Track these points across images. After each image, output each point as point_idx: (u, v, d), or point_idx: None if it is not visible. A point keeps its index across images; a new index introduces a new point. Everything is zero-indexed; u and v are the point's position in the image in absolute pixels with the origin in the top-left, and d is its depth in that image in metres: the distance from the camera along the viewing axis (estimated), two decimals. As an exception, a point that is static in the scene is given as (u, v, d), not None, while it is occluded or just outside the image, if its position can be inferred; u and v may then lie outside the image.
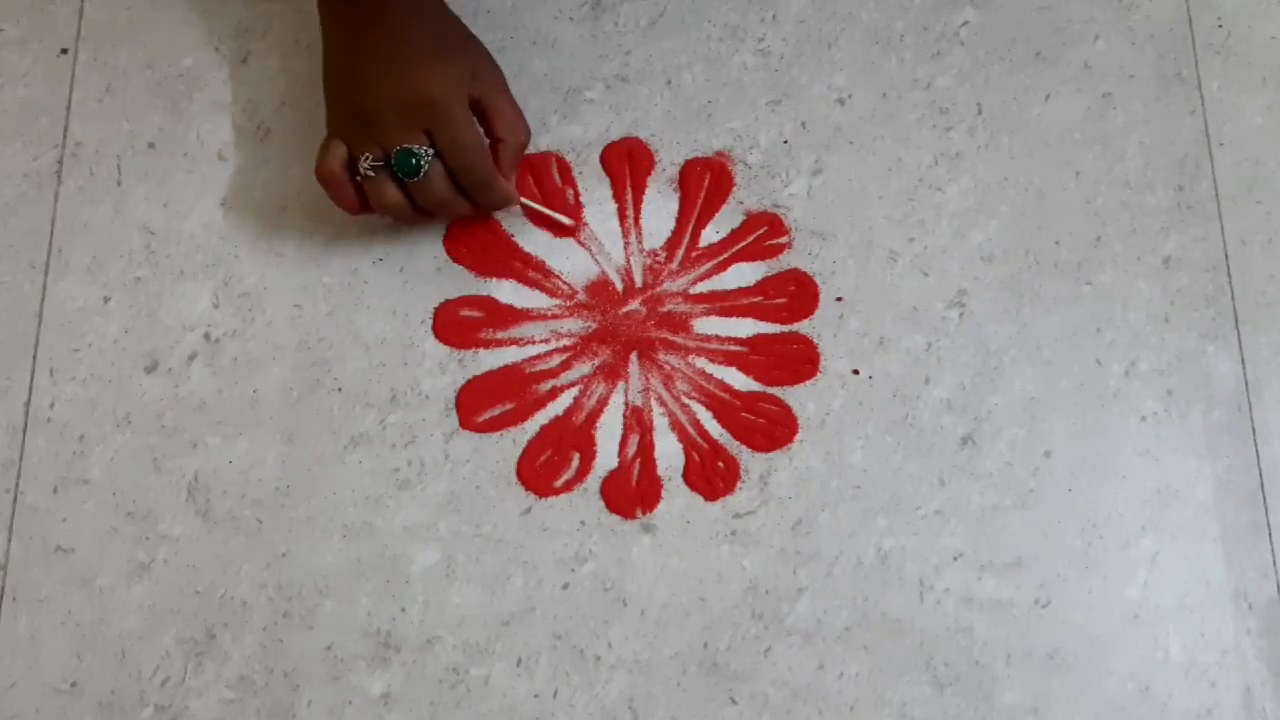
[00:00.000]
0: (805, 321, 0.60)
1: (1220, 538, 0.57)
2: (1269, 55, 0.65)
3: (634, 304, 0.60)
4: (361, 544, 0.57)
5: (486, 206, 0.58)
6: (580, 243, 0.61)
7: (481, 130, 0.56)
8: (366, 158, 0.55)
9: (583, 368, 0.59)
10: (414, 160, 0.54)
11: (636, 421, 0.58)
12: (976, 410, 0.59)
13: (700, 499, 0.57)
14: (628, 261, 0.61)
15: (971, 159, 0.62)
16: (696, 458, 0.58)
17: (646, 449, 0.58)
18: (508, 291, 0.60)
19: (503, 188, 0.57)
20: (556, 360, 0.59)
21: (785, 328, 0.60)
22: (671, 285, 0.60)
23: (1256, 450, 0.59)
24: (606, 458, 0.58)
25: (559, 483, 0.57)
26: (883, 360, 0.59)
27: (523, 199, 0.59)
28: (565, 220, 0.60)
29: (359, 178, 0.55)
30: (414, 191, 0.55)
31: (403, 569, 0.56)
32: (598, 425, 0.58)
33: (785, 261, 0.61)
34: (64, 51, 0.64)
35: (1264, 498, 0.58)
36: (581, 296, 0.60)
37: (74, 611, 0.56)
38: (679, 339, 0.60)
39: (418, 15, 0.56)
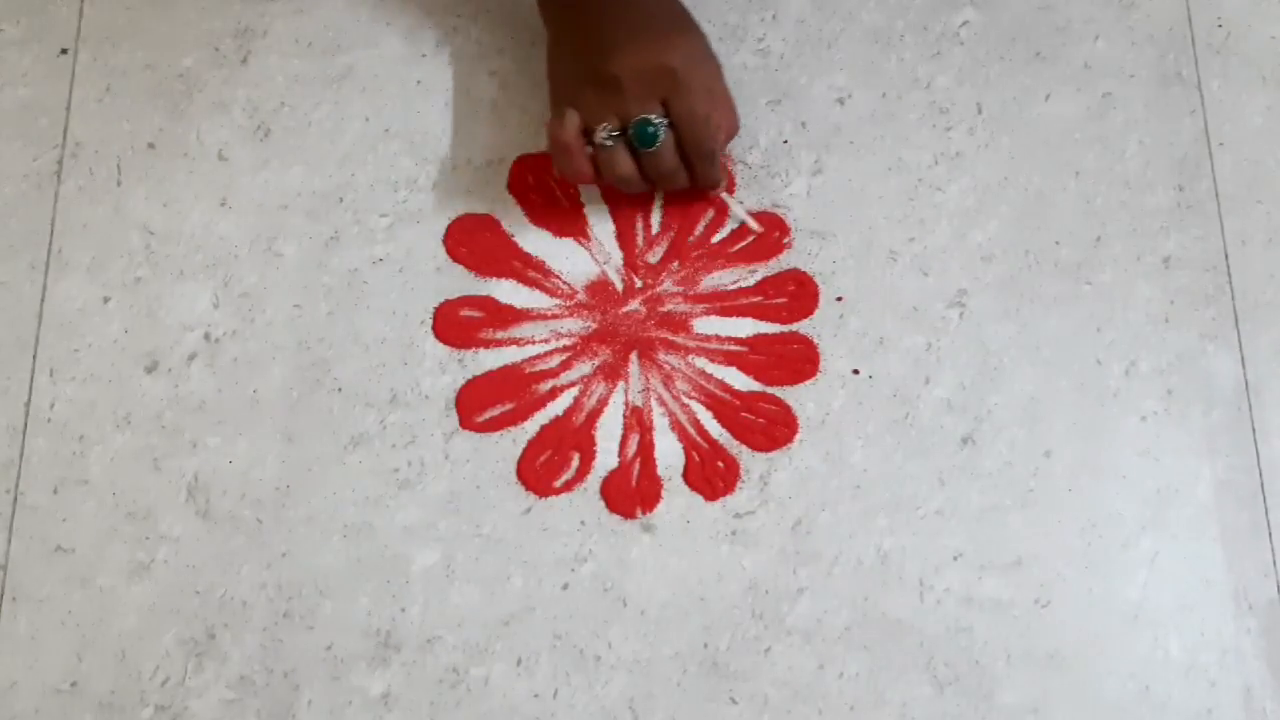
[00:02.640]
0: (805, 321, 0.60)
1: (1220, 538, 0.57)
2: (1269, 55, 0.65)
3: (634, 304, 0.60)
4: (361, 544, 0.57)
5: (703, 182, 0.59)
6: (580, 242, 0.61)
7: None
8: (605, 127, 0.55)
9: (583, 368, 0.59)
10: (651, 129, 0.55)
11: (636, 421, 0.58)
12: (976, 410, 0.59)
13: (700, 499, 0.57)
14: (627, 261, 0.61)
15: (971, 159, 0.62)
16: (696, 458, 0.58)
17: (646, 449, 0.58)
18: (508, 291, 0.60)
19: (721, 165, 0.58)
20: (556, 360, 0.59)
21: (785, 328, 0.60)
22: (671, 285, 0.60)
23: (1256, 450, 0.59)
24: (606, 458, 0.58)
25: (559, 483, 0.57)
26: (883, 360, 0.59)
27: (726, 194, 0.61)
28: (756, 227, 0.61)
29: (592, 147, 0.56)
30: (644, 161, 0.56)
31: (403, 569, 0.56)
32: (598, 425, 0.58)
33: (785, 261, 0.61)
34: (64, 51, 0.64)
35: (1264, 498, 0.58)
36: (581, 296, 0.60)
37: (74, 611, 0.56)
38: (679, 339, 0.60)
39: None
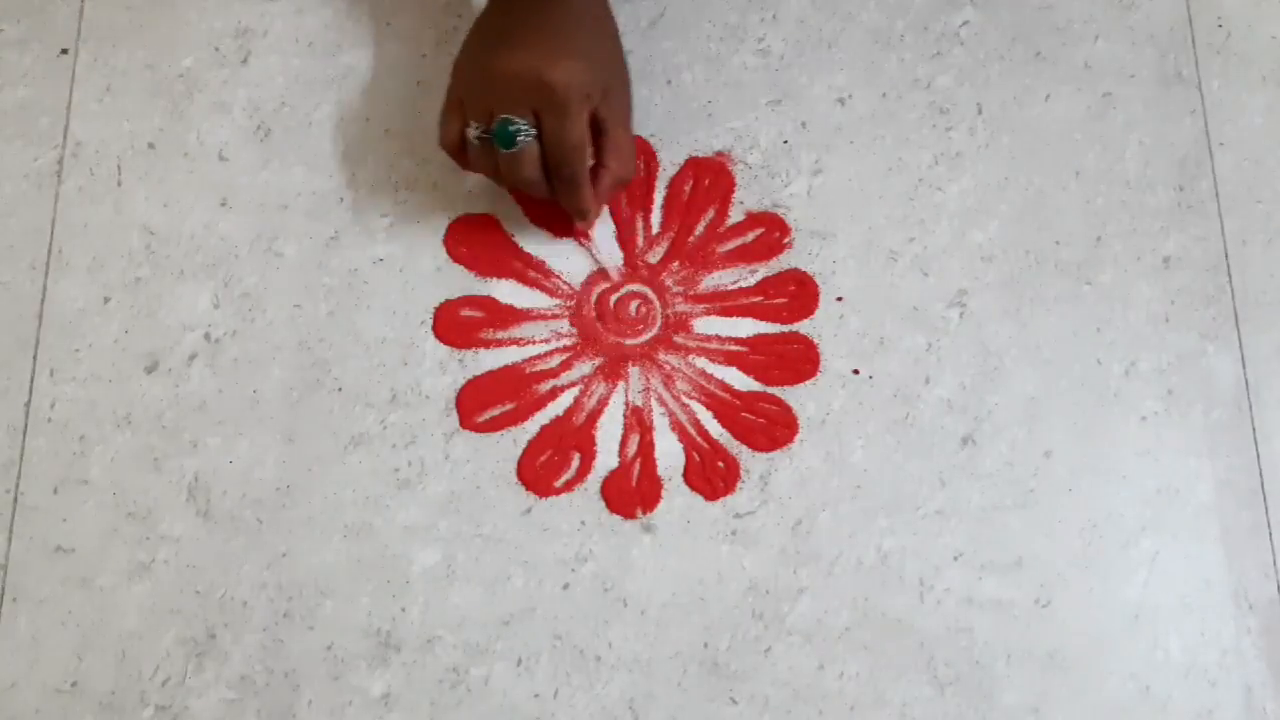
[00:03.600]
0: (805, 321, 0.60)
1: (1220, 538, 0.57)
2: (1269, 55, 0.65)
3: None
4: (361, 544, 0.57)
5: (565, 205, 0.58)
6: (580, 242, 0.61)
7: (589, 138, 0.56)
8: (475, 127, 0.55)
9: (583, 368, 0.59)
10: (511, 131, 0.54)
11: (637, 421, 0.58)
12: (976, 410, 0.59)
13: (700, 499, 0.57)
14: (628, 261, 0.61)
15: (971, 159, 0.62)
16: (696, 458, 0.58)
17: (646, 449, 0.58)
18: (508, 291, 0.60)
19: (587, 199, 0.57)
20: (557, 360, 0.59)
21: (785, 327, 0.60)
22: (672, 285, 0.60)
23: (1256, 450, 0.59)
24: (607, 458, 0.58)
25: (559, 483, 0.57)
26: (883, 360, 0.59)
27: (591, 232, 0.60)
28: (615, 274, 0.60)
29: (466, 144, 0.56)
30: (502, 163, 0.56)
31: (403, 569, 0.56)
32: (598, 425, 0.58)
33: (785, 261, 0.61)
34: (64, 51, 0.64)
35: (1264, 498, 0.58)
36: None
37: (74, 611, 0.56)
38: (679, 339, 0.60)
39: (585, 11, 0.57)
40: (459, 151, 0.57)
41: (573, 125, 0.54)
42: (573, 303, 0.60)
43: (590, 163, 0.56)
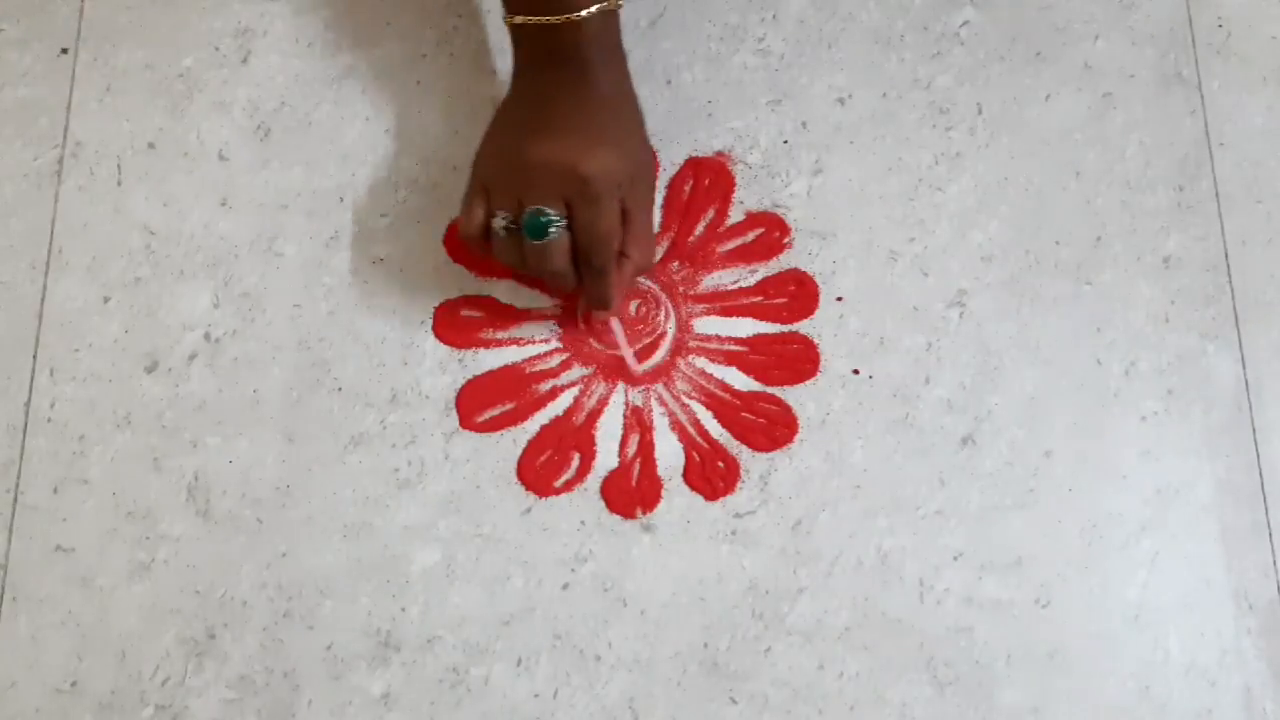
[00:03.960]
0: (805, 321, 0.60)
1: (1220, 538, 0.57)
2: (1269, 55, 0.65)
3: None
4: (361, 544, 0.57)
5: (589, 298, 0.57)
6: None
7: (620, 229, 0.55)
8: (502, 216, 0.54)
9: (583, 368, 0.59)
10: (543, 222, 0.53)
11: (636, 421, 0.58)
12: (976, 410, 0.59)
13: (700, 499, 0.57)
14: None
15: (971, 159, 0.62)
16: (696, 457, 0.58)
17: (646, 449, 0.58)
18: (508, 291, 0.60)
19: (612, 288, 0.56)
20: (556, 360, 0.59)
21: (785, 327, 0.60)
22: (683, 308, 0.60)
23: (1256, 450, 0.59)
24: (606, 457, 0.58)
25: (559, 483, 0.57)
26: (883, 360, 0.59)
27: (616, 320, 0.59)
28: (634, 366, 0.59)
29: (491, 234, 0.55)
30: (530, 254, 0.54)
31: (403, 569, 0.56)
32: (598, 425, 0.58)
33: (785, 261, 0.61)
34: (64, 51, 0.64)
35: (1264, 498, 0.58)
36: (581, 296, 0.60)
37: (74, 611, 0.56)
38: (679, 338, 0.60)
39: (613, 97, 0.56)
40: (482, 242, 0.55)
41: (606, 216, 0.53)
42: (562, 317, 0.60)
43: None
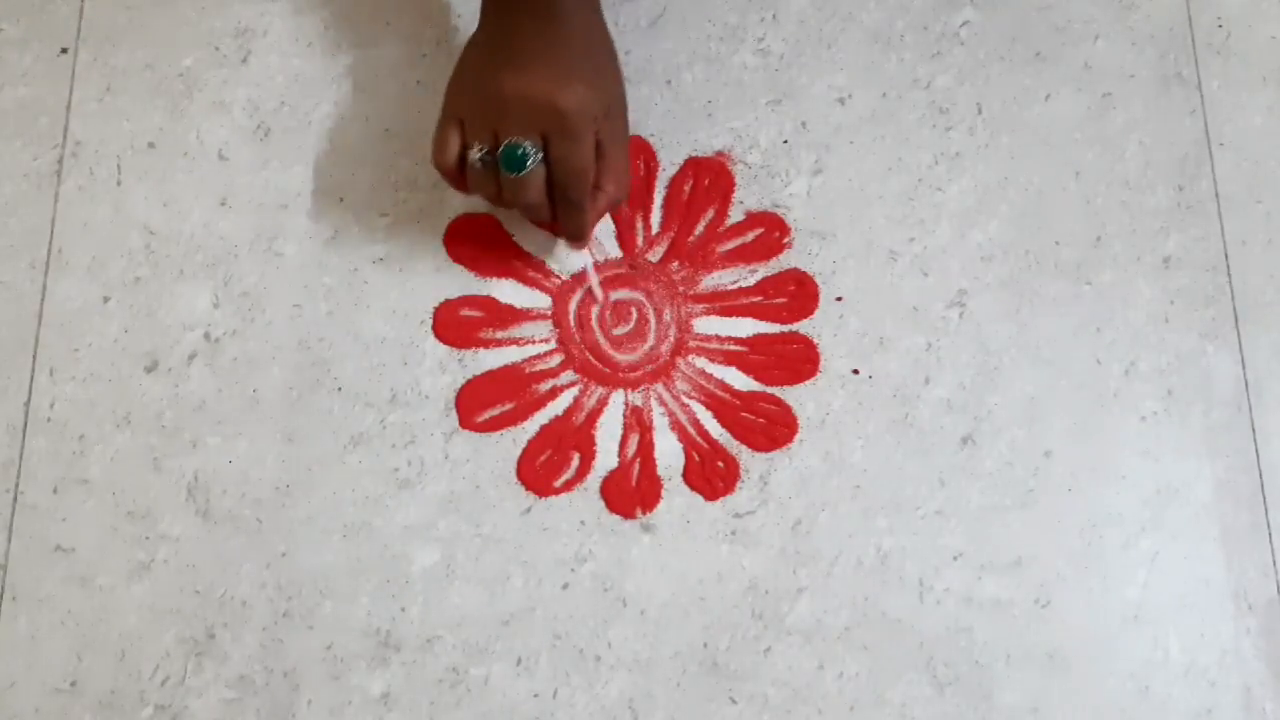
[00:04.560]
0: (805, 321, 0.60)
1: (1220, 538, 0.57)
2: (1269, 55, 0.65)
3: (634, 304, 0.60)
4: (361, 544, 0.57)
5: (564, 230, 0.58)
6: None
7: (595, 162, 0.55)
8: (478, 147, 0.54)
9: (576, 373, 0.59)
10: (520, 154, 0.53)
11: (636, 421, 0.58)
12: (976, 410, 0.59)
13: (700, 499, 0.57)
14: (628, 261, 0.61)
15: (971, 159, 0.62)
16: (696, 457, 0.58)
17: (646, 449, 0.58)
18: (508, 291, 0.60)
19: (587, 220, 0.56)
20: (556, 360, 0.59)
21: (785, 327, 0.60)
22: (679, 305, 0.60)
23: (1256, 450, 0.59)
24: (606, 457, 0.58)
25: (559, 483, 0.57)
26: (883, 360, 0.59)
27: (586, 250, 0.60)
28: (599, 294, 0.60)
29: (466, 166, 0.55)
30: (507, 186, 0.55)
31: (403, 569, 0.56)
32: (598, 425, 0.58)
33: (785, 261, 0.61)
34: (64, 51, 0.64)
35: (1264, 498, 0.58)
36: (582, 296, 0.60)
37: (74, 611, 0.56)
38: (679, 338, 0.60)
39: (585, 30, 0.56)
40: (455, 172, 0.56)
41: (582, 149, 0.54)
42: (559, 317, 0.60)
43: None
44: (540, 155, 0.54)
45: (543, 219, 0.57)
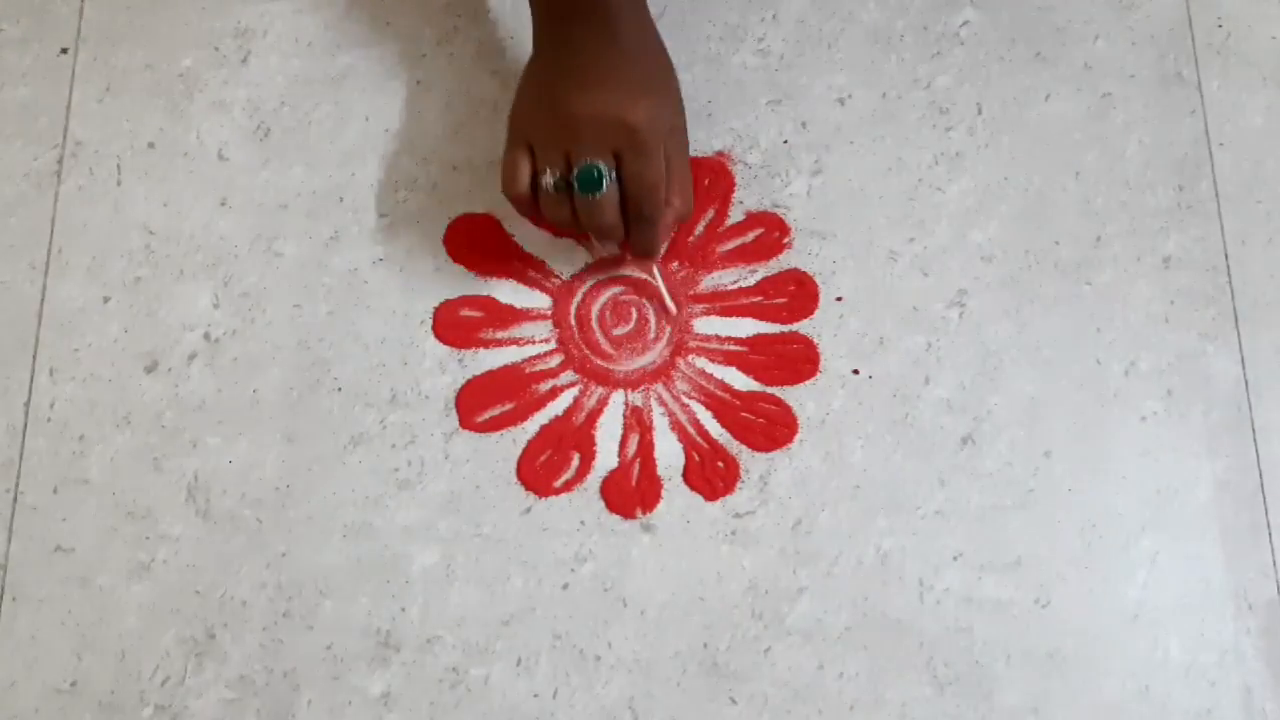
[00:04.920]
0: (805, 321, 0.60)
1: (1220, 538, 0.57)
2: (1269, 55, 0.65)
3: (634, 304, 0.60)
4: (361, 544, 0.57)
5: (636, 247, 0.57)
6: (581, 242, 0.61)
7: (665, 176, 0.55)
8: (551, 173, 0.54)
9: (575, 373, 0.59)
10: (597, 175, 0.53)
11: (636, 421, 0.58)
12: (976, 410, 0.59)
13: (700, 499, 0.57)
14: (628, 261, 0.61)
15: (971, 159, 0.62)
16: (696, 458, 0.58)
17: (646, 449, 0.58)
18: (508, 291, 0.60)
19: (659, 237, 0.56)
20: (556, 360, 0.59)
21: (785, 327, 0.60)
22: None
23: (1256, 450, 0.59)
24: (606, 458, 0.58)
25: (559, 483, 0.57)
26: (883, 360, 0.59)
27: (656, 265, 0.59)
28: (672, 307, 0.59)
29: (539, 192, 0.55)
30: (582, 207, 0.54)
31: (403, 569, 0.56)
32: (598, 425, 0.58)
33: (785, 261, 0.61)
34: (64, 51, 0.64)
35: (1264, 498, 0.58)
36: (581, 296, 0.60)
37: (74, 611, 0.56)
38: (679, 339, 0.60)
39: (644, 45, 0.56)
40: (529, 199, 0.55)
41: (655, 165, 0.53)
42: (558, 320, 0.60)
43: None
44: (614, 174, 0.53)
45: (617, 238, 0.56)
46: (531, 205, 0.56)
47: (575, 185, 0.53)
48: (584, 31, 0.54)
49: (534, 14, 0.56)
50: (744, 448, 0.58)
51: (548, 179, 0.54)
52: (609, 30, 0.54)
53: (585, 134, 0.53)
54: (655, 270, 0.59)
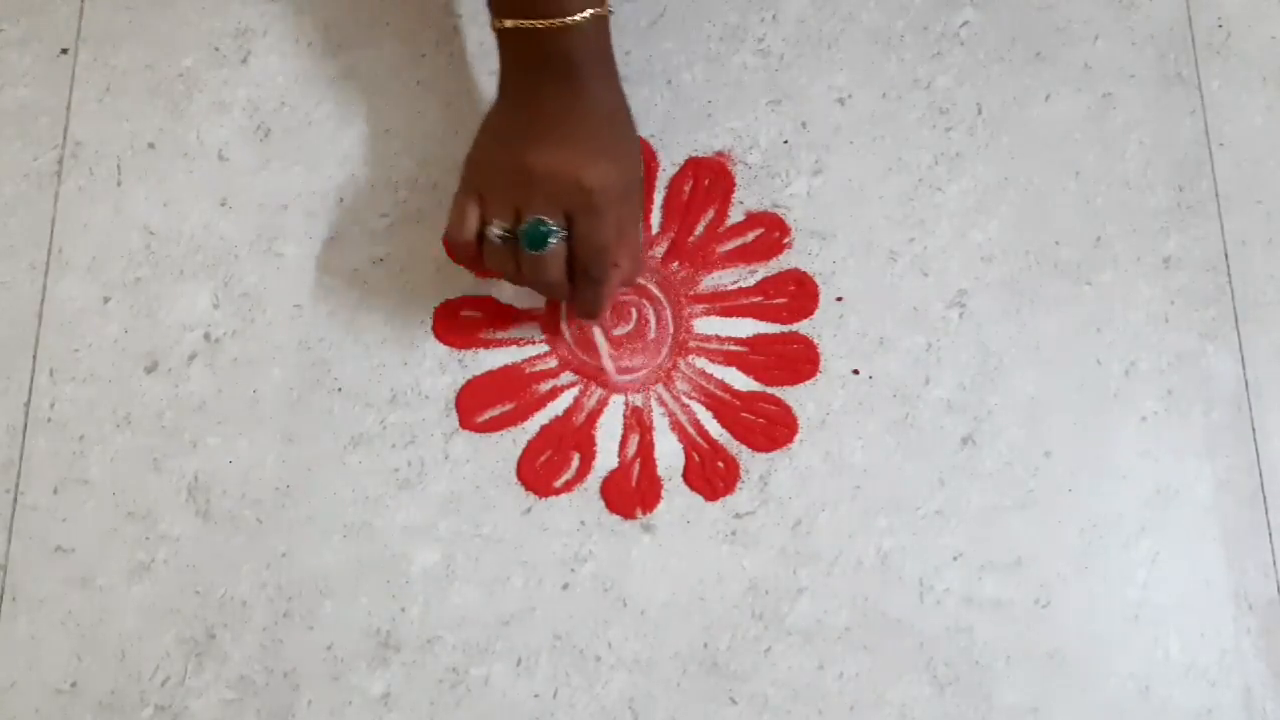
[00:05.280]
0: (805, 321, 0.60)
1: (1220, 538, 0.57)
2: (1269, 55, 0.65)
3: (634, 304, 0.60)
4: (361, 544, 0.57)
5: (580, 308, 0.56)
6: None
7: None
8: (498, 224, 0.53)
9: (573, 374, 0.59)
10: (544, 232, 0.52)
11: (636, 421, 0.58)
12: (976, 410, 0.59)
13: (700, 499, 0.57)
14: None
15: (971, 159, 0.62)
16: (696, 458, 0.58)
17: (646, 449, 0.58)
18: (508, 291, 0.60)
19: (605, 299, 0.55)
20: (556, 360, 0.59)
21: (785, 328, 0.60)
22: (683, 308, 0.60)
23: (1256, 450, 0.59)
24: (606, 458, 0.58)
25: (559, 483, 0.57)
26: (883, 360, 0.59)
27: (598, 329, 0.59)
28: (612, 372, 0.59)
29: (485, 242, 0.54)
30: (526, 263, 0.53)
31: (403, 569, 0.56)
32: (598, 425, 0.58)
33: (785, 261, 0.61)
34: (64, 51, 0.64)
35: (1264, 498, 0.58)
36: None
37: (74, 611, 0.56)
38: (679, 339, 0.60)
39: (608, 103, 0.55)
40: (473, 248, 0.54)
41: (606, 228, 0.53)
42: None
43: None
44: (563, 234, 0.53)
45: (559, 297, 0.56)
46: (474, 255, 0.55)
47: (522, 240, 0.53)
48: (550, 86, 0.53)
49: (501, 61, 0.55)
50: (744, 448, 0.58)
51: (493, 231, 0.53)
52: (575, 87, 0.53)
53: (538, 190, 0.52)
54: (596, 332, 0.59)
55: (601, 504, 0.57)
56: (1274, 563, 0.57)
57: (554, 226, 0.52)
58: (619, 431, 0.58)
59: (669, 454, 0.58)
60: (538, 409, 0.58)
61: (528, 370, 0.59)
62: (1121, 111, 0.63)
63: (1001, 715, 0.55)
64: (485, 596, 0.56)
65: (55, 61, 0.64)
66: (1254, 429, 0.59)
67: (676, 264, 0.61)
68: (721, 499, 0.57)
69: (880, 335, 0.60)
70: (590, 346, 0.59)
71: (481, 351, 0.59)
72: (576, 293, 0.55)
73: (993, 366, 0.59)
